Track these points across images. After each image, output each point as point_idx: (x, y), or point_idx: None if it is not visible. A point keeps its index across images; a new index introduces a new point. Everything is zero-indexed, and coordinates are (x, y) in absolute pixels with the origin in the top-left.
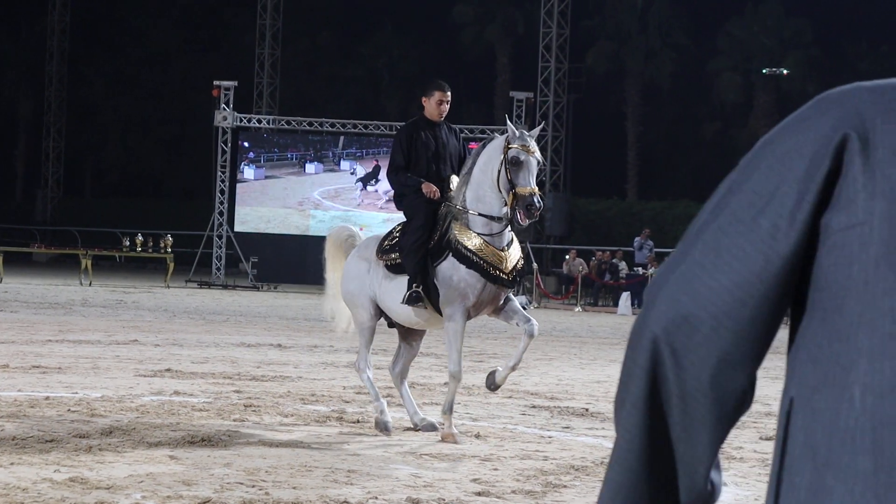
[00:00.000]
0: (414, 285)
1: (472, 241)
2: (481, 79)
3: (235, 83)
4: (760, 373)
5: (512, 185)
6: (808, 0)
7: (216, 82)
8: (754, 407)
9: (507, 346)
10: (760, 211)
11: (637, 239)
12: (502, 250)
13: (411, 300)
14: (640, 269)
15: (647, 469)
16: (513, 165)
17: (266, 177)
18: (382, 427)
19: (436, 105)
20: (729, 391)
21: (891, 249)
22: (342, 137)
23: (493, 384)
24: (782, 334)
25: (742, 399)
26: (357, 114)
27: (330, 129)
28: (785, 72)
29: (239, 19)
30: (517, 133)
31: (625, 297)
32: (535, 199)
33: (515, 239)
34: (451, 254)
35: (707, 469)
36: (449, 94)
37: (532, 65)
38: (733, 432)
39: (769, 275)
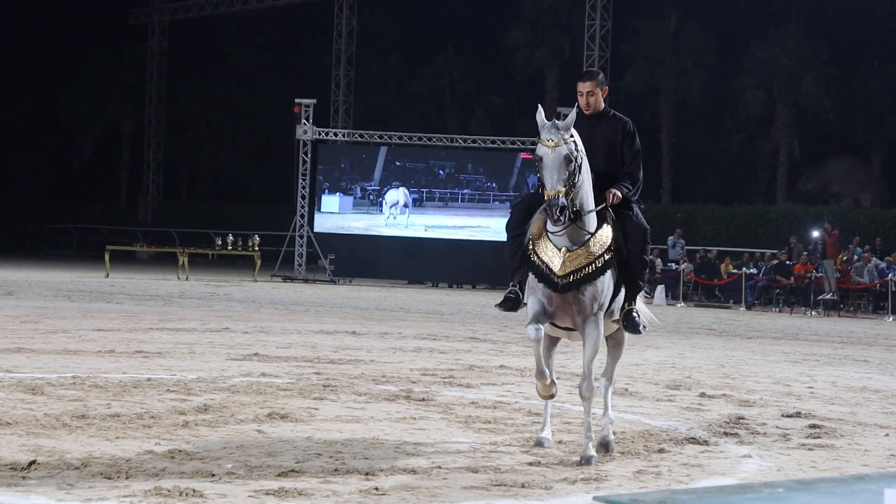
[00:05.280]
0: (511, 284)
1: (538, 235)
2: (532, 97)
3: (314, 101)
4: (780, 356)
5: (541, 184)
6: (825, 23)
7: (297, 100)
8: (775, 387)
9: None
10: None
11: (671, 238)
12: (561, 249)
13: (503, 303)
14: (673, 264)
15: None
16: (537, 164)
17: (340, 193)
18: (604, 447)
19: (579, 97)
20: None
21: None
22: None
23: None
24: (797, 321)
25: None
26: (421, 128)
27: (398, 141)
28: None
29: (317, 44)
30: (544, 124)
31: (660, 290)
32: (552, 203)
33: (599, 241)
34: None
35: None
36: (590, 83)
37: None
38: (756, 409)
39: None
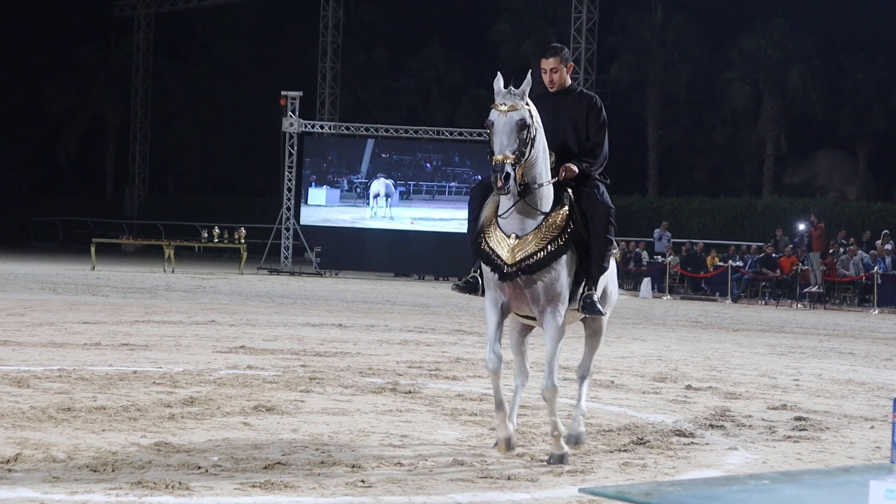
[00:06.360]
0: (473, 270)
1: (489, 221)
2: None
3: (301, 93)
4: (766, 349)
5: (490, 151)
6: (811, 17)
7: (283, 92)
8: (761, 380)
9: (482, 323)
10: None
11: (657, 231)
12: (510, 236)
13: (462, 286)
14: (659, 257)
15: None
16: (489, 130)
17: (327, 186)
18: (575, 440)
19: (543, 75)
20: None
21: None
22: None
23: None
24: (782, 313)
25: None
26: (408, 120)
27: (384, 133)
28: None
29: (303, 36)
30: (500, 90)
31: (646, 283)
32: (496, 167)
33: (553, 224)
34: None
35: None
36: (553, 59)
37: None
38: (742, 402)
39: None
